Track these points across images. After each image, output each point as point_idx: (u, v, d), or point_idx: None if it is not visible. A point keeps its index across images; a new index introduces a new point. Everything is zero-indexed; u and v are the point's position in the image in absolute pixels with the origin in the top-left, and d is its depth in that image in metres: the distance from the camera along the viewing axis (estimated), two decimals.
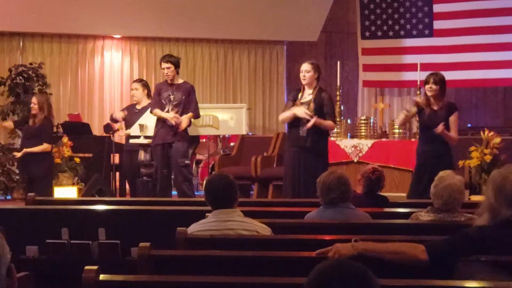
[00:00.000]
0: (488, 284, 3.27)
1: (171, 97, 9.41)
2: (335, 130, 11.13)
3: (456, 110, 8.18)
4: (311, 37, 15.00)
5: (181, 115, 9.38)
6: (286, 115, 8.36)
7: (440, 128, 7.88)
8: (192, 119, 9.59)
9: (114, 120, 10.66)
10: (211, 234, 4.65)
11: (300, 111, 8.15)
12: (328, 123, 8.22)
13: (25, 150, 9.78)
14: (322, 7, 14.72)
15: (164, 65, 9.49)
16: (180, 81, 9.62)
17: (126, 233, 6.07)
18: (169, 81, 9.51)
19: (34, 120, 9.84)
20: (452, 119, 8.05)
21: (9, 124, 11.11)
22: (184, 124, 9.35)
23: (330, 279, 2.04)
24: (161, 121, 9.46)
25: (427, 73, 8.38)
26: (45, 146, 9.76)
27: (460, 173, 7.17)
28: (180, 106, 9.42)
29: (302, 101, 8.28)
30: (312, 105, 8.18)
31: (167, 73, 9.47)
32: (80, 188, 10.63)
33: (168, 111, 9.41)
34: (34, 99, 9.98)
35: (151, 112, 9.60)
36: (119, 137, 11.45)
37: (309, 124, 8.08)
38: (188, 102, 9.46)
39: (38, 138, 9.75)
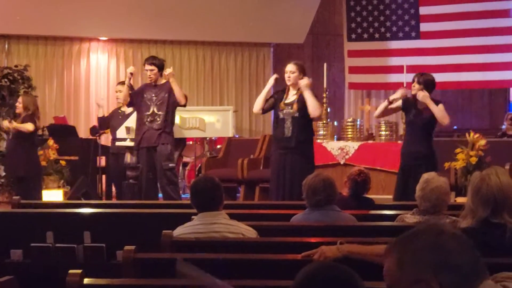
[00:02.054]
0: None
1: (154, 98, 9.37)
2: (321, 132, 11.13)
3: (441, 102, 8.20)
4: (298, 39, 15.02)
5: (166, 113, 9.35)
6: (259, 97, 8.52)
7: (420, 93, 7.97)
8: (172, 120, 9.51)
9: (103, 120, 10.68)
10: (197, 237, 4.64)
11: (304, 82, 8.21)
12: (316, 102, 8.20)
13: (11, 124, 9.62)
14: (308, 9, 14.74)
15: (148, 67, 9.47)
16: (163, 81, 9.59)
17: (112, 236, 6.04)
18: (152, 83, 9.48)
19: (18, 120, 9.76)
20: (439, 107, 8.06)
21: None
22: (171, 79, 9.31)
23: (316, 281, 2.03)
24: (145, 124, 9.40)
25: (414, 75, 8.41)
26: (29, 124, 9.49)
27: (446, 175, 7.18)
28: (164, 104, 9.39)
29: (286, 102, 8.30)
30: (295, 105, 8.20)
31: (150, 75, 9.45)
32: (65, 191, 10.59)
33: (153, 112, 9.37)
34: (20, 99, 9.94)
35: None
36: (105, 140, 11.42)
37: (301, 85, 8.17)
38: (170, 97, 9.38)
39: (22, 135, 9.61)
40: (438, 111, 8.02)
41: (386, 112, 8.61)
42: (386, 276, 2.16)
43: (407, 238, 2.17)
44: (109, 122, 10.59)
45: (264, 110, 8.59)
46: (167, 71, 9.34)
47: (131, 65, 14.31)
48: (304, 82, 8.22)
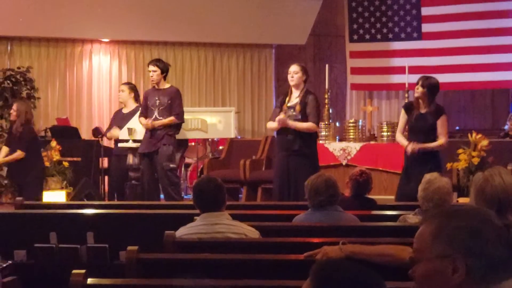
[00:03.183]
0: None
1: (157, 102, 9.41)
2: (323, 132, 11.15)
3: (444, 113, 8.15)
4: (300, 41, 15.02)
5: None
6: (271, 125, 8.45)
7: (409, 148, 7.96)
8: (178, 123, 9.56)
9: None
10: (199, 237, 4.65)
11: (279, 123, 8.23)
12: (305, 124, 8.19)
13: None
14: (310, 10, 14.74)
15: (151, 67, 9.49)
16: (167, 86, 9.60)
17: (115, 237, 6.06)
18: (156, 86, 9.51)
19: (14, 127, 9.82)
20: (439, 122, 8.05)
21: None
22: (156, 124, 9.33)
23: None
24: (148, 130, 9.47)
25: (416, 76, 8.41)
26: (17, 154, 9.63)
27: (448, 176, 7.19)
28: (167, 110, 9.42)
29: (289, 104, 8.30)
30: (298, 107, 8.21)
31: (152, 76, 9.47)
32: (68, 192, 10.61)
33: (155, 117, 9.41)
34: (14, 106, 9.99)
35: (139, 118, 9.66)
36: (107, 141, 11.44)
37: (278, 125, 8.18)
38: (172, 106, 9.43)
39: (16, 145, 9.71)
40: (439, 147, 8.02)
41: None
42: (416, 240, 2.20)
43: (452, 213, 2.19)
44: (111, 127, 10.63)
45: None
46: (144, 124, 9.44)
47: (133, 69, 14.46)
48: (280, 121, 8.21)
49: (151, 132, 9.42)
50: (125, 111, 10.48)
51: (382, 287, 2.06)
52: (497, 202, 3.73)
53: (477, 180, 3.83)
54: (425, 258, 2.15)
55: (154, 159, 9.39)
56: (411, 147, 8.01)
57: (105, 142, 11.29)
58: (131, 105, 10.38)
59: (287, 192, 8.16)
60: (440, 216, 2.19)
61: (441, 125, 8.04)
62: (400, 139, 8.33)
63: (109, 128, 10.66)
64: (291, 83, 8.34)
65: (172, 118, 9.40)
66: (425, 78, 8.20)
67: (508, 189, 3.79)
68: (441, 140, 8.01)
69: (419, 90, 8.10)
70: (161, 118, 9.39)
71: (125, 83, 10.98)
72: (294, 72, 8.33)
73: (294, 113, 8.24)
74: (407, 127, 8.30)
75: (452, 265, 2.09)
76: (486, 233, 2.11)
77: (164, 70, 9.51)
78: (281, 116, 8.21)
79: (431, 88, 8.11)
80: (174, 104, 9.42)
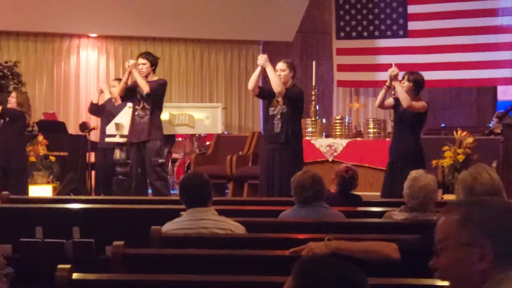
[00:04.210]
0: None
1: (144, 93, 9.38)
2: (310, 129, 11.18)
3: (427, 102, 8.22)
4: (287, 37, 15.05)
5: (152, 110, 9.37)
6: (252, 77, 8.46)
7: (395, 71, 8.03)
8: (159, 110, 9.51)
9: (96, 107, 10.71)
10: (186, 232, 4.67)
11: (261, 60, 8.27)
12: (278, 79, 8.21)
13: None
14: (298, 7, 14.78)
15: (140, 60, 9.51)
16: (155, 78, 9.62)
17: (101, 231, 6.07)
18: (144, 78, 9.51)
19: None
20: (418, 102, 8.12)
21: None
22: (135, 73, 9.30)
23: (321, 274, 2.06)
24: (135, 119, 9.45)
25: (402, 73, 8.44)
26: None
27: (433, 172, 7.23)
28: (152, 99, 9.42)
29: (277, 99, 8.32)
30: (281, 100, 8.24)
31: (141, 69, 9.47)
32: (55, 186, 10.60)
33: (142, 107, 9.40)
34: (13, 94, 9.94)
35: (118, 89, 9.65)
36: (94, 136, 11.44)
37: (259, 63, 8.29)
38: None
39: (14, 121, 9.62)
40: (402, 92, 8.05)
41: (384, 100, 8.40)
42: (440, 230, 2.25)
43: (477, 202, 2.28)
44: (102, 110, 10.63)
45: (260, 93, 8.55)
46: (130, 62, 9.37)
47: (121, 64, 14.43)
48: (262, 58, 8.29)
49: (137, 120, 9.38)
50: (116, 104, 10.50)
51: (364, 284, 2.08)
52: None
53: (465, 179, 3.83)
54: (452, 246, 2.21)
55: (142, 152, 9.38)
56: (391, 70, 8.14)
57: (92, 137, 11.29)
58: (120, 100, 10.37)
59: (272, 186, 8.19)
60: (465, 205, 2.27)
61: (421, 102, 8.09)
62: (378, 98, 8.42)
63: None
64: None
65: (147, 83, 9.34)
66: (410, 73, 8.28)
67: (496, 185, 3.81)
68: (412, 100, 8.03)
69: (405, 84, 8.15)
70: (148, 107, 9.38)
71: (116, 79, 11.01)
72: (281, 70, 8.34)
73: (280, 107, 8.26)
74: (393, 119, 8.35)
75: (479, 252, 2.15)
76: (510, 221, 2.18)
77: (154, 63, 9.54)
78: (262, 56, 8.33)
79: (417, 82, 8.17)
80: (153, 83, 9.36)
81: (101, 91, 10.91)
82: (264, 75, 8.73)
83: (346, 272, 2.06)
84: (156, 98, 9.40)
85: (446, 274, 2.24)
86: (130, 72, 9.32)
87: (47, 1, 13.52)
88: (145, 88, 9.24)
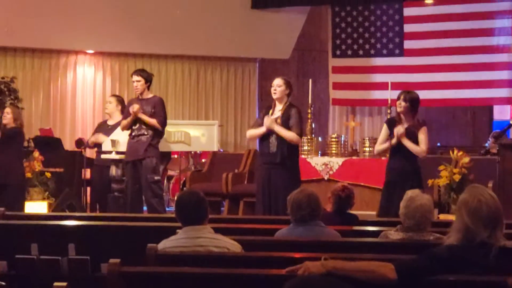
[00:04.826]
0: None
1: (141, 111, 9.39)
2: (306, 147, 11.18)
3: (424, 126, 8.24)
4: (284, 55, 15.09)
5: (149, 129, 9.38)
6: (254, 132, 8.44)
7: (400, 130, 8.02)
8: (161, 133, 9.54)
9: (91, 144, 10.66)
10: (181, 250, 4.66)
11: (267, 122, 8.21)
12: (289, 133, 8.17)
13: None
14: (294, 25, 14.83)
15: (135, 77, 9.53)
16: (150, 95, 9.63)
17: (96, 249, 6.05)
18: (139, 96, 9.53)
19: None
20: (420, 136, 8.12)
21: None
22: (141, 116, 9.31)
23: None
24: (132, 138, 9.46)
25: (397, 92, 8.46)
26: None
27: (429, 192, 7.24)
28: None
29: (272, 117, 8.32)
30: (279, 120, 8.22)
31: (136, 86, 9.49)
32: (50, 203, 10.58)
33: (138, 127, 9.42)
34: (8, 109, 9.95)
35: (121, 126, 9.64)
36: (90, 152, 11.42)
37: (265, 126, 8.17)
38: (155, 113, 9.43)
39: (7, 141, 9.63)
40: (413, 147, 8.08)
41: (387, 151, 8.51)
42: None
43: None
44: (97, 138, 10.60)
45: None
46: (135, 107, 9.37)
47: (118, 81, 14.47)
48: (268, 121, 8.23)
49: (134, 138, 9.40)
50: (110, 122, 10.48)
51: None
52: (493, 220, 3.73)
53: (468, 201, 3.79)
54: None
55: (138, 170, 9.37)
56: (397, 129, 8.08)
57: (88, 153, 11.28)
58: (117, 117, 10.37)
59: (268, 205, 8.17)
60: None
61: (421, 137, 8.11)
62: (379, 147, 8.40)
63: (93, 135, 10.64)
64: (274, 96, 8.33)
65: (155, 120, 9.38)
66: (406, 92, 8.27)
67: (498, 206, 3.80)
68: (422, 146, 8.07)
69: (401, 104, 8.15)
70: (145, 126, 9.39)
71: (113, 95, 11.02)
72: (277, 86, 8.33)
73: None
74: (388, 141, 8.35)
75: None
76: None
77: (148, 80, 9.55)
78: (268, 119, 8.24)
79: (413, 102, 8.17)
80: (157, 110, 9.42)
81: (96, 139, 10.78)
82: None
83: None
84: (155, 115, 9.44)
85: None
86: (135, 116, 9.35)
87: (44, 18, 13.54)
88: (158, 128, 9.35)
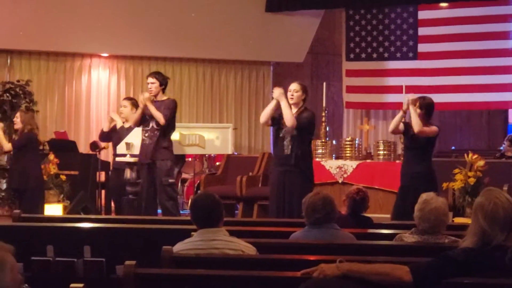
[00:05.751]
0: None
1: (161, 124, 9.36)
2: (320, 150, 11.20)
3: (437, 127, 8.23)
4: (298, 58, 15.10)
5: (162, 131, 9.36)
6: (265, 110, 8.46)
7: (413, 96, 8.03)
8: (167, 130, 9.51)
9: (106, 135, 10.66)
10: (197, 253, 4.67)
11: (276, 93, 8.24)
12: (291, 112, 8.18)
13: None
14: (308, 28, 14.83)
15: (150, 79, 9.52)
16: (164, 98, 9.62)
17: (112, 251, 6.07)
18: (154, 98, 9.52)
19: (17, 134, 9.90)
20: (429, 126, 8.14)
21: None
22: (150, 106, 9.29)
23: None
24: (144, 140, 9.45)
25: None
26: (6, 146, 9.78)
27: (444, 195, 7.22)
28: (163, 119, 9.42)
29: (281, 88, 8.35)
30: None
31: (150, 88, 9.48)
32: (65, 205, 10.63)
33: (152, 127, 9.40)
34: (18, 114, 10.02)
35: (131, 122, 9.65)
36: (105, 155, 11.46)
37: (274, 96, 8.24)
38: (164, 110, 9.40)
39: (22, 147, 9.74)
40: (415, 119, 8.06)
41: (399, 125, 8.35)
42: None
43: None
44: (112, 136, 10.59)
45: (272, 124, 8.54)
46: (145, 94, 9.36)
47: (132, 84, 14.50)
48: (277, 91, 8.26)
49: (147, 141, 9.39)
50: (126, 126, 10.49)
51: None
52: (509, 223, 3.73)
53: (484, 205, 3.78)
54: None
55: (152, 172, 9.38)
56: (410, 95, 8.14)
57: (103, 156, 11.31)
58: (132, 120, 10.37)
59: (282, 208, 8.18)
60: None
61: (431, 125, 8.11)
62: (392, 124, 8.36)
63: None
64: (291, 101, 8.30)
65: (161, 114, 9.32)
66: (422, 98, 8.27)
67: None
68: (423, 126, 8.05)
69: (417, 111, 8.15)
70: (157, 127, 9.38)
71: (127, 98, 10.94)
72: (294, 91, 8.35)
73: (290, 129, 8.24)
74: (403, 142, 8.34)
75: None
76: None
77: (163, 83, 9.53)
78: (277, 89, 8.30)
79: (428, 107, 8.18)
80: (165, 107, 9.37)
81: (112, 120, 10.83)
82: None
83: None
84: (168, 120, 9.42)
85: None
86: (145, 105, 9.33)
87: (59, 21, 13.60)
88: (160, 120, 9.27)
